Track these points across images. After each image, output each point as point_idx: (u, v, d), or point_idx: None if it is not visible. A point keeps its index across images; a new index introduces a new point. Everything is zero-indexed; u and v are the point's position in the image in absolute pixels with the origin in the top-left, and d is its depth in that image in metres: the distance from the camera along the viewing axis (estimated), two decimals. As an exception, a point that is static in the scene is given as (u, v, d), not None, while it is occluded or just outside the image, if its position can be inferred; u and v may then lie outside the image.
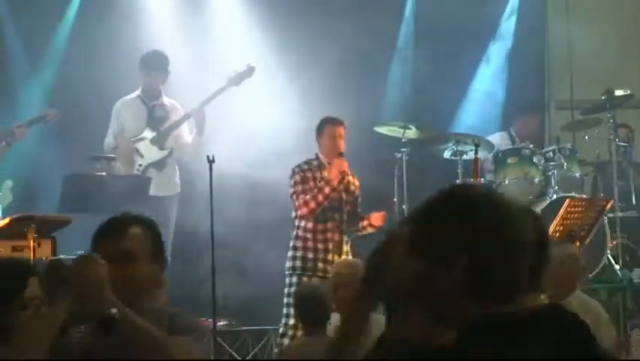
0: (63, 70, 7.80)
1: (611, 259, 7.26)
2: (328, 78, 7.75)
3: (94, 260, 2.51)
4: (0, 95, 7.66)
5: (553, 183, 7.40)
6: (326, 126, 6.46)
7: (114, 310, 2.48)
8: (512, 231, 1.72)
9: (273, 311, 6.54)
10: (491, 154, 7.65)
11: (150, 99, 7.17)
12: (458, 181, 7.09)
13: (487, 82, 8.95)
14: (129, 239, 2.77)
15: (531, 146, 7.59)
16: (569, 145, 7.76)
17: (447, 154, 7.43)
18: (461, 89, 8.85)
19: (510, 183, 7.40)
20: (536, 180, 7.43)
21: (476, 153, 7.13)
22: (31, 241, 5.20)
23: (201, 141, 7.06)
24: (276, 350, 6.58)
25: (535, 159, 7.47)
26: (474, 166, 7.09)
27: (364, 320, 2.49)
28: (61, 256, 5.62)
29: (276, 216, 6.98)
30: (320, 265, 6.27)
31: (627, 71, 8.76)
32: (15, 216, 5.55)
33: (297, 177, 6.41)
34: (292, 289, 6.08)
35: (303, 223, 6.36)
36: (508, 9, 9.05)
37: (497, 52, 9.01)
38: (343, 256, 6.23)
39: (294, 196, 6.39)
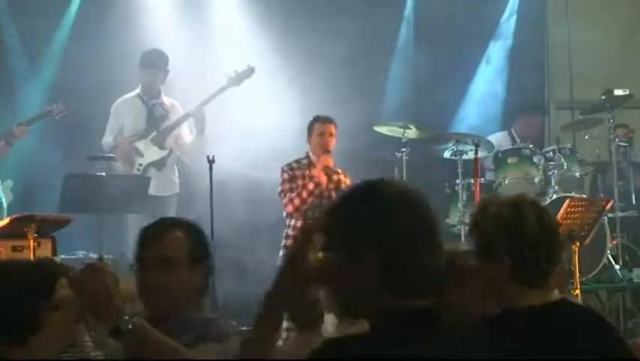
0: (63, 69, 7.81)
1: (611, 259, 7.26)
2: (328, 78, 7.75)
3: (101, 270, 2.41)
4: (0, 94, 7.65)
5: (553, 183, 7.41)
6: (315, 124, 6.55)
7: (126, 320, 2.38)
8: (424, 230, 1.77)
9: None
10: (491, 154, 7.65)
11: (150, 98, 7.17)
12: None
13: (488, 82, 8.95)
14: (165, 245, 2.63)
15: (531, 146, 7.60)
16: (569, 145, 7.76)
17: (447, 154, 7.43)
18: (461, 88, 8.85)
19: (510, 183, 7.41)
20: (536, 180, 7.44)
21: (476, 152, 7.13)
22: (31, 241, 5.19)
23: (201, 141, 7.05)
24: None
25: (535, 159, 7.47)
26: (474, 166, 7.10)
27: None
28: (62, 256, 5.64)
29: (276, 216, 6.98)
30: (310, 263, 6.28)
31: (627, 71, 8.76)
32: (15, 216, 5.54)
33: (285, 176, 6.53)
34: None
35: (292, 222, 6.46)
36: (508, 9, 9.05)
37: (497, 52, 9.01)
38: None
39: (282, 194, 6.52)
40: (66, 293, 2.43)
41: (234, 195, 7.31)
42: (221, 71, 7.21)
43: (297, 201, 6.41)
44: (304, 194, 6.41)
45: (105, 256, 5.93)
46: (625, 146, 8.01)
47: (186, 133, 7.19)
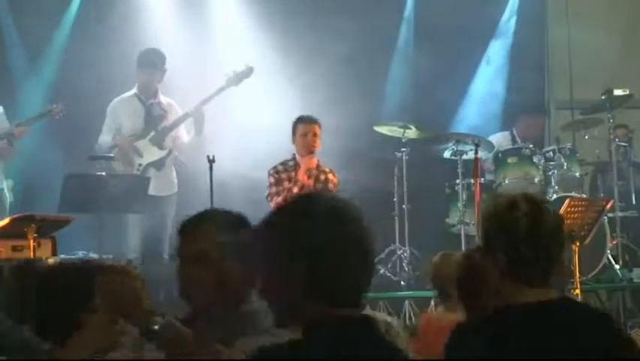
0: (63, 69, 7.81)
1: (611, 259, 7.25)
2: (328, 78, 7.75)
3: (128, 273, 2.48)
4: (0, 94, 7.65)
5: (553, 183, 7.41)
6: (298, 125, 6.50)
7: (157, 320, 2.37)
8: (352, 245, 1.86)
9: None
10: (491, 154, 7.65)
11: (147, 97, 7.16)
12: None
13: (488, 82, 8.95)
14: (200, 238, 2.53)
15: (531, 146, 7.60)
16: (569, 145, 7.76)
17: (447, 154, 7.42)
18: (461, 88, 8.85)
19: (510, 183, 7.40)
20: (536, 179, 7.44)
21: (476, 152, 7.13)
22: (31, 241, 5.19)
23: (200, 140, 7.05)
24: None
25: (535, 159, 7.47)
26: (474, 166, 7.10)
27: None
28: (62, 256, 5.63)
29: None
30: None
31: (627, 71, 8.76)
32: (15, 216, 5.54)
33: (272, 179, 6.51)
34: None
35: None
36: (508, 9, 9.05)
37: (497, 52, 9.01)
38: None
39: (269, 198, 6.49)
40: (104, 295, 2.53)
41: (234, 195, 7.30)
42: (221, 70, 7.21)
43: None
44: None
45: (105, 256, 5.94)
46: (625, 146, 8.01)
47: (183, 133, 7.19)
